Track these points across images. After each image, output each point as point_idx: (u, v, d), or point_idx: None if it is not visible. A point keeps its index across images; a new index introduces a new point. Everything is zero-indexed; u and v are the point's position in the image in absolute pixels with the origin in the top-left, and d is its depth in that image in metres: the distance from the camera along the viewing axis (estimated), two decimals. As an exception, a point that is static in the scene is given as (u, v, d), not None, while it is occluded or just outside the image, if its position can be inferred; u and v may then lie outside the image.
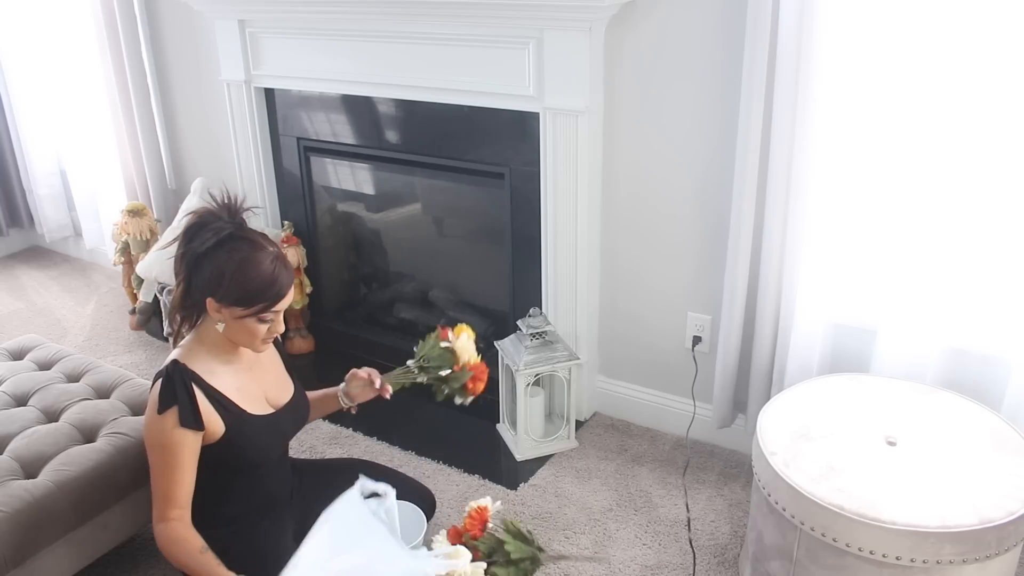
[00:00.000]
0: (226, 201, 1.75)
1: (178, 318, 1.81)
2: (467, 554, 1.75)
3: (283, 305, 1.76)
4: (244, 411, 1.82)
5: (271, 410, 1.90)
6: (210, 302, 1.73)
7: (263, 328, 1.76)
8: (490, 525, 1.87)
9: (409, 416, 2.83)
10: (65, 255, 4.30)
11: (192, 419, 1.72)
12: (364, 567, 1.57)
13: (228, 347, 1.82)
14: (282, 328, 1.80)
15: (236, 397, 1.81)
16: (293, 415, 1.97)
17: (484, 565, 1.76)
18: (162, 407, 1.71)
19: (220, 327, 1.76)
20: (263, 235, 1.79)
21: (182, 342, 1.82)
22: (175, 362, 1.76)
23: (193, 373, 1.76)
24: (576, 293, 2.53)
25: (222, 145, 3.29)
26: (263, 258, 1.72)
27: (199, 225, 1.73)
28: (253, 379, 1.88)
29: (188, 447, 1.74)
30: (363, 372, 2.01)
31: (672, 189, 2.37)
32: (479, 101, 2.49)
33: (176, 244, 1.77)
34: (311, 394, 2.13)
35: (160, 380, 1.74)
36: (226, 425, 1.78)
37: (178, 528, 1.74)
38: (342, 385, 2.06)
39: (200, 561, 1.72)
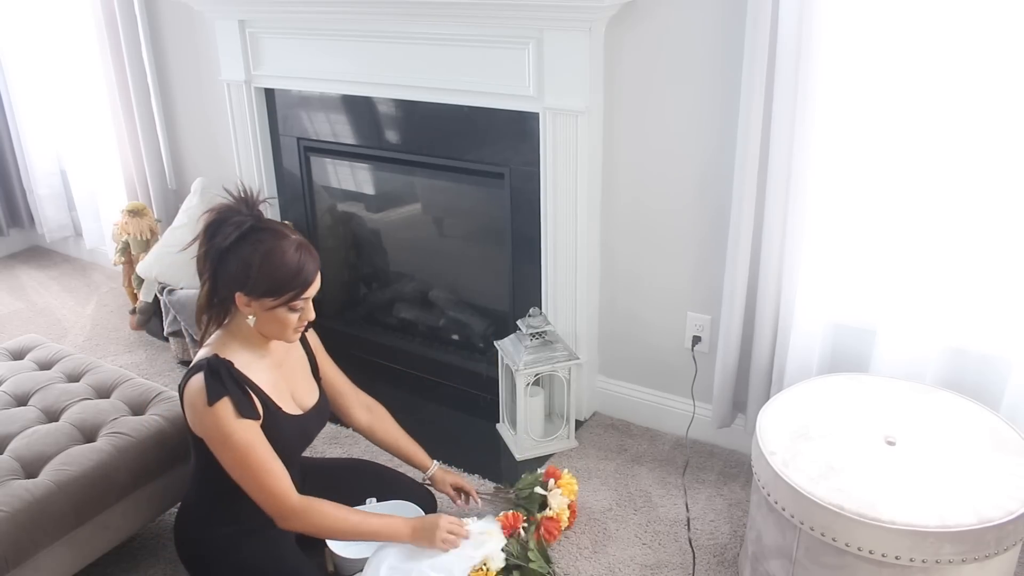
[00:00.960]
0: (242, 194, 1.75)
1: (205, 318, 1.81)
2: (500, 536, 1.96)
3: (312, 291, 1.75)
4: (280, 408, 1.82)
5: (300, 411, 1.90)
6: (239, 296, 1.73)
7: (294, 317, 1.76)
8: (520, 534, 2.00)
9: (409, 416, 2.82)
10: (65, 255, 4.30)
11: (249, 408, 1.73)
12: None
13: (259, 341, 1.82)
14: (312, 315, 1.80)
15: (272, 393, 1.81)
16: (318, 419, 1.97)
17: (504, 557, 1.94)
18: (212, 399, 1.69)
19: (251, 320, 1.76)
20: (285, 224, 1.79)
21: (211, 338, 1.82)
22: (216, 356, 1.75)
23: (234, 367, 1.75)
24: (576, 293, 2.53)
25: (222, 145, 3.29)
26: (287, 246, 1.71)
27: (219, 221, 1.73)
28: (283, 377, 1.88)
29: (257, 433, 1.74)
30: (461, 491, 2.19)
31: (672, 189, 2.37)
32: (479, 101, 2.49)
33: (197, 244, 1.77)
34: (403, 437, 2.21)
35: (202, 373, 1.72)
36: (264, 420, 1.78)
37: (312, 504, 1.78)
38: (436, 467, 2.21)
39: (364, 523, 1.82)
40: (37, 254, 4.34)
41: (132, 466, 1.99)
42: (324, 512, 1.79)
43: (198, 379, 1.72)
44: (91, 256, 4.17)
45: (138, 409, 2.16)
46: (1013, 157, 1.86)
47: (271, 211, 3.18)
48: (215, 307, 1.79)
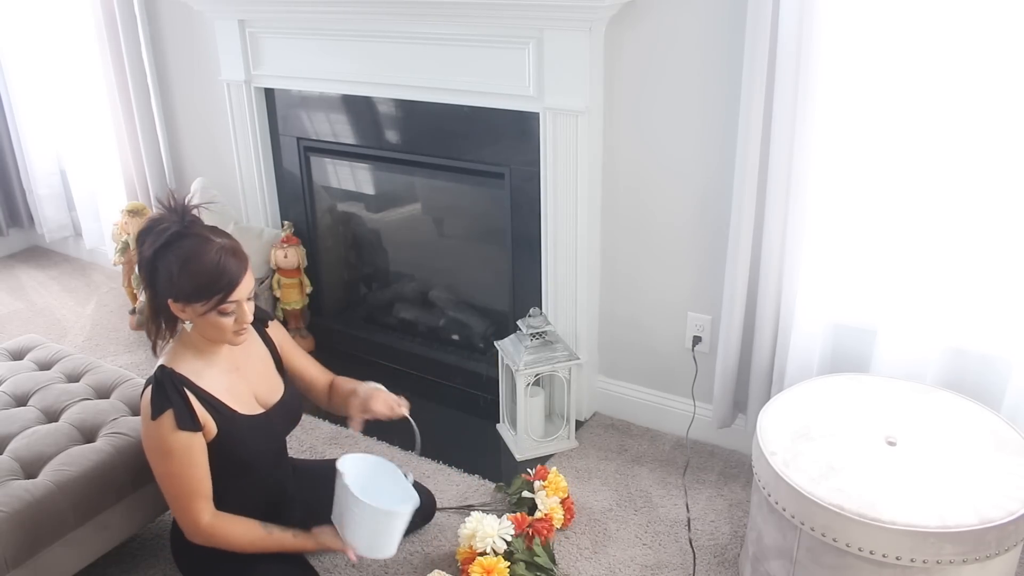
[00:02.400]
0: (172, 203, 1.75)
1: (153, 328, 1.81)
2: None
3: (240, 294, 1.73)
4: (235, 412, 1.81)
5: (261, 410, 1.89)
6: (172, 304, 1.73)
7: (228, 320, 1.74)
8: (528, 533, 2.11)
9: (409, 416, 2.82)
10: (65, 255, 4.30)
11: (189, 420, 1.73)
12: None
13: (209, 347, 1.81)
14: (250, 317, 1.77)
15: (225, 398, 1.81)
16: (284, 414, 1.96)
17: (510, 528, 2.04)
18: (155, 413, 1.71)
19: (188, 327, 1.77)
20: (213, 228, 1.77)
21: (166, 348, 1.82)
22: (162, 367, 1.76)
23: (182, 377, 1.75)
24: (576, 293, 2.53)
25: (222, 145, 3.29)
26: (207, 250, 1.70)
27: (146, 231, 1.74)
28: (241, 379, 1.87)
29: (195, 447, 1.74)
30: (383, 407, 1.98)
31: (672, 189, 2.37)
32: (479, 101, 2.49)
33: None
34: (342, 381, 2.10)
35: (150, 387, 1.74)
36: (218, 427, 1.78)
37: (221, 523, 1.78)
38: (368, 387, 2.02)
39: (269, 540, 1.82)
40: (37, 254, 4.33)
41: (132, 466, 1.99)
42: (231, 533, 1.81)
43: (147, 394, 1.74)
44: (91, 256, 4.17)
45: (137, 409, 2.16)
46: (1013, 158, 1.86)
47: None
48: (160, 316, 1.79)
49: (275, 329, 2.05)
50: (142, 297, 3.27)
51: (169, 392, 1.72)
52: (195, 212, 1.76)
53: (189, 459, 1.74)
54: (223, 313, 1.72)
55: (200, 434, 1.75)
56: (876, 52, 1.94)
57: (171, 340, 1.83)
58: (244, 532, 1.82)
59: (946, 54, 1.84)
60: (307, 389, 2.10)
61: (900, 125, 1.96)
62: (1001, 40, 1.79)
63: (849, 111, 2.01)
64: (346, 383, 2.09)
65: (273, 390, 1.95)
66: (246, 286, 1.74)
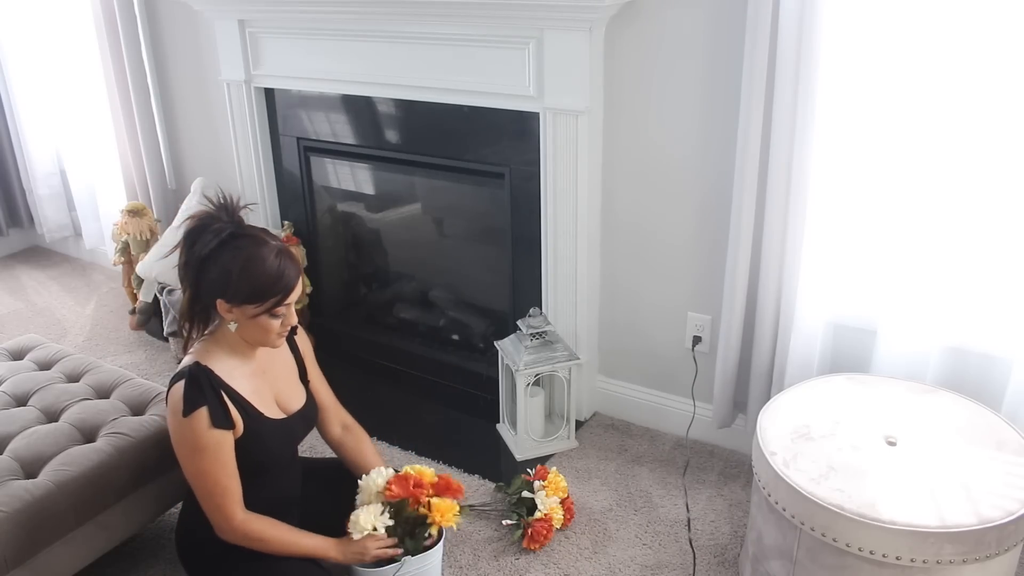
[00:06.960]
0: (222, 201, 1.75)
1: (188, 325, 1.81)
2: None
3: (294, 297, 1.75)
4: (261, 414, 1.82)
5: (283, 415, 1.90)
6: (220, 303, 1.73)
7: (276, 323, 1.75)
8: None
9: (409, 416, 2.82)
10: (65, 255, 4.30)
11: (223, 419, 1.73)
12: None
13: (243, 348, 1.82)
14: (295, 320, 1.79)
15: (253, 400, 1.81)
16: (303, 421, 1.97)
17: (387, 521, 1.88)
18: (188, 409, 1.70)
19: (232, 327, 1.76)
20: (264, 230, 1.78)
21: (196, 345, 1.82)
22: (197, 364, 1.75)
23: (215, 375, 1.76)
24: (576, 293, 2.53)
25: (222, 145, 3.29)
26: (267, 253, 1.71)
27: (199, 229, 1.72)
28: (266, 382, 1.88)
29: (225, 445, 1.74)
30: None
31: (672, 188, 2.37)
32: (479, 101, 2.49)
33: (179, 252, 1.77)
34: (373, 457, 2.07)
35: (183, 382, 1.73)
36: (244, 427, 1.78)
37: (255, 523, 1.79)
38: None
39: (299, 547, 1.82)
40: (37, 254, 4.33)
41: (132, 466, 1.99)
42: (262, 531, 1.80)
43: (178, 388, 1.73)
44: (91, 256, 4.17)
45: (138, 409, 2.16)
46: (1013, 157, 1.86)
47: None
48: (197, 315, 1.79)
49: (303, 342, 2.05)
50: (142, 297, 3.28)
51: (205, 389, 1.72)
52: (242, 212, 1.77)
53: (219, 457, 1.73)
54: (274, 315, 1.74)
55: (230, 432, 1.75)
56: (876, 51, 1.94)
57: (200, 337, 1.82)
58: (277, 535, 1.81)
59: (946, 54, 1.84)
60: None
61: (900, 124, 1.96)
62: (1001, 40, 1.79)
63: (849, 111, 2.01)
64: (367, 459, 2.06)
65: (295, 397, 1.95)
66: (299, 289, 1.76)
